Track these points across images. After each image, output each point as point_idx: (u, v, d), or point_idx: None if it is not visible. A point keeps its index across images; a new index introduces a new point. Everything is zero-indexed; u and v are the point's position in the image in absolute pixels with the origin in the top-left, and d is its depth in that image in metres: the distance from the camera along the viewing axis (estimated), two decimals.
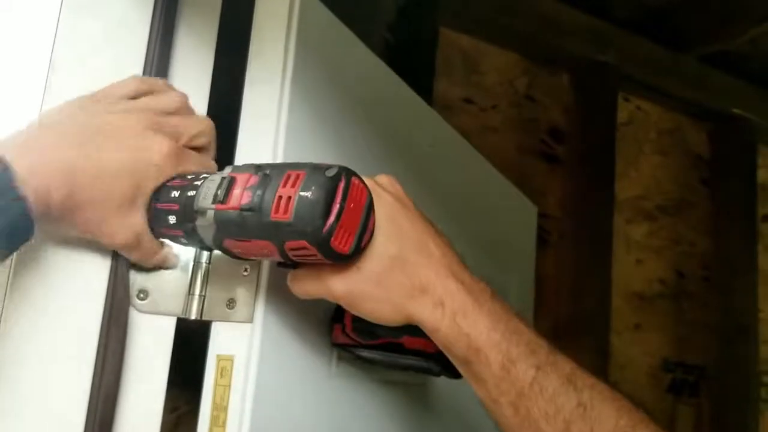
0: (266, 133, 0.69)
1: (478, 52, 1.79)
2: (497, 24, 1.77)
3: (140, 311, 0.63)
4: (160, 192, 0.57)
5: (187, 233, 0.56)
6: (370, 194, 0.54)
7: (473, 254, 1.16)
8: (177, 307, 0.65)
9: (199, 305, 0.65)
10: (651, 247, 2.02)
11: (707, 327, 2.06)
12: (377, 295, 0.55)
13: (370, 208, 0.54)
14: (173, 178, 0.58)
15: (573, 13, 1.83)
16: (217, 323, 0.65)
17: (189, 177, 0.58)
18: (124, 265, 0.62)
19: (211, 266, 0.66)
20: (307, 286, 0.58)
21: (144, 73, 0.67)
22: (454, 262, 0.58)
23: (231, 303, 0.65)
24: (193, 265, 0.66)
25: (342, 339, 0.70)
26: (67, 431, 0.58)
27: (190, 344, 0.67)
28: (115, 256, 0.63)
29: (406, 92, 0.96)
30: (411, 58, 1.48)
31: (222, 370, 0.63)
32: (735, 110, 2.12)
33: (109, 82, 0.65)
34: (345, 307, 0.57)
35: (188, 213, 0.55)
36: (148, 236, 0.58)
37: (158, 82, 0.63)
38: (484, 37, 1.79)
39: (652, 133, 2.08)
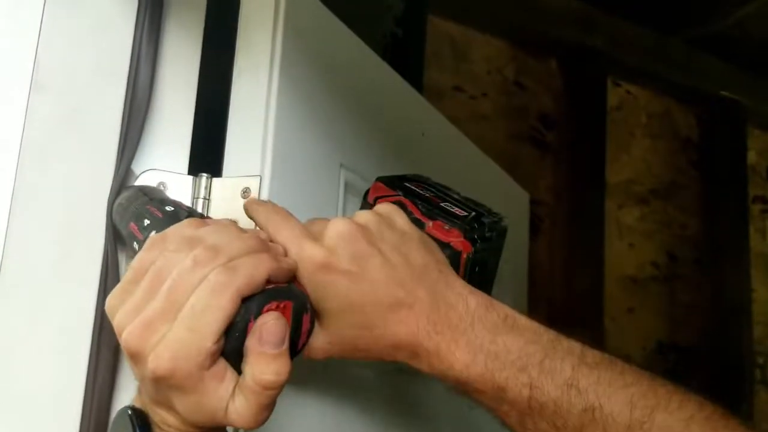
0: (255, 123, 0.68)
1: (467, 40, 1.79)
2: (485, 11, 1.77)
3: None
4: (139, 214, 0.57)
5: None
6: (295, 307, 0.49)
7: None
8: None
9: None
10: (643, 231, 2.03)
11: (700, 309, 2.07)
12: (361, 347, 0.54)
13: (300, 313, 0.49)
14: (152, 202, 0.58)
15: None
16: None
17: (167, 209, 0.56)
18: (114, 272, 0.62)
19: None
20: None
21: (130, 69, 0.66)
22: (437, 299, 0.54)
23: None
24: None
25: None
26: None
27: None
28: (107, 250, 0.63)
29: (397, 81, 0.96)
30: (401, 47, 1.47)
31: None
32: (723, 93, 2.13)
33: (94, 80, 0.65)
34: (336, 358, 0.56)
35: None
36: None
37: None
38: (473, 24, 1.79)
39: (641, 118, 2.09)
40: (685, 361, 2.02)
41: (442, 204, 0.64)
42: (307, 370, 0.70)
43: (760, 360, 2.11)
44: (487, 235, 0.62)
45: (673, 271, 2.06)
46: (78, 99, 0.64)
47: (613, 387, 0.50)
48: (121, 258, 0.64)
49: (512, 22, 1.82)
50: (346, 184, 0.81)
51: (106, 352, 0.61)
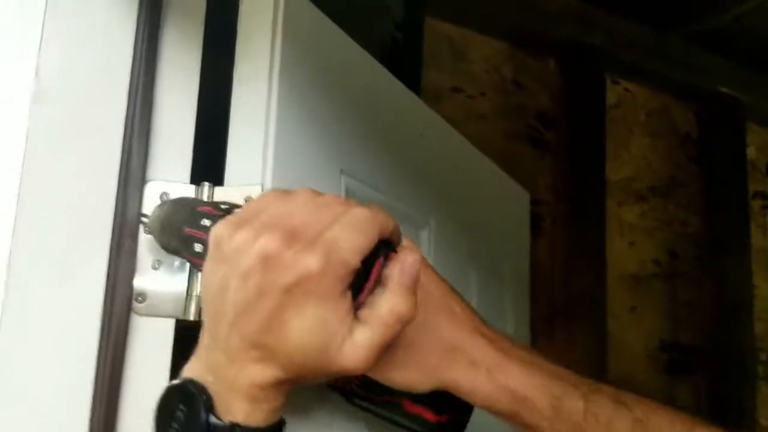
0: (256, 132, 0.69)
1: (465, 41, 1.79)
2: (483, 12, 1.77)
3: (138, 314, 0.64)
4: (192, 218, 0.57)
5: None
6: None
7: (468, 244, 1.17)
8: (175, 309, 0.65)
9: (197, 306, 0.66)
10: (643, 229, 2.03)
11: (702, 306, 2.07)
12: (406, 362, 0.52)
13: None
14: (207, 204, 0.58)
15: None
16: None
17: (225, 207, 0.57)
18: (121, 268, 0.63)
19: None
20: None
21: (131, 79, 0.67)
22: (476, 318, 0.56)
23: None
24: (191, 266, 0.66)
25: (342, 384, 0.63)
26: None
27: (191, 343, 0.67)
28: (111, 260, 0.63)
29: (395, 85, 0.96)
30: (399, 49, 1.48)
31: None
32: (722, 89, 2.13)
33: (95, 85, 0.65)
34: (374, 375, 0.53)
35: None
36: None
37: None
38: (470, 25, 1.79)
39: (640, 115, 2.09)
40: (688, 358, 2.02)
41: None
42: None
43: (763, 356, 2.11)
44: None
45: (674, 268, 2.06)
46: (79, 109, 0.65)
47: (651, 406, 0.54)
48: (127, 265, 0.64)
49: (510, 21, 1.82)
50: (347, 190, 0.81)
51: (112, 354, 0.61)
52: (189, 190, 0.68)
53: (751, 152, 2.21)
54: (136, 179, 0.66)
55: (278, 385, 0.46)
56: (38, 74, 0.63)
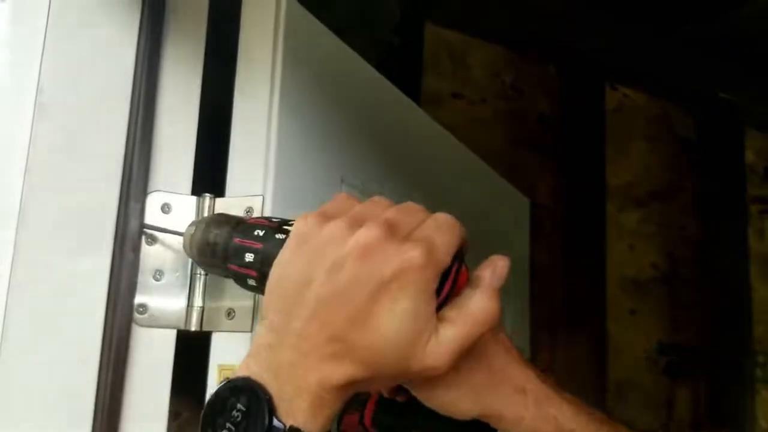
0: (257, 144, 0.69)
1: (465, 46, 1.79)
2: (482, 17, 1.77)
3: (140, 325, 0.64)
4: (241, 230, 0.56)
5: (264, 276, 0.53)
6: None
7: (469, 251, 1.18)
8: (177, 320, 0.66)
9: (198, 317, 0.66)
10: (643, 233, 2.03)
11: (701, 309, 2.07)
12: (455, 380, 0.50)
13: None
14: (259, 218, 0.58)
15: (556, 1, 1.84)
16: (218, 334, 0.66)
17: (276, 219, 0.57)
18: (123, 280, 0.63)
19: (209, 277, 0.67)
20: None
21: (133, 92, 0.67)
22: (519, 352, 0.55)
23: (230, 313, 0.66)
24: (191, 277, 0.67)
25: (354, 429, 0.60)
26: None
27: (192, 350, 0.68)
28: (113, 271, 0.64)
29: (396, 94, 0.97)
30: (399, 55, 1.48)
31: (224, 380, 0.64)
32: (721, 94, 2.13)
33: (97, 98, 0.66)
34: (418, 392, 0.51)
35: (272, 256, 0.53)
36: None
37: None
38: (470, 31, 1.80)
39: (640, 120, 2.09)
40: (687, 361, 2.03)
41: None
42: None
43: (761, 359, 2.11)
44: None
45: (673, 272, 2.07)
46: (82, 122, 0.65)
47: None
48: (128, 276, 0.65)
49: (509, 27, 1.83)
50: None
51: (113, 366, 0.62)
52: (190, 202, 0.69)
53: (749, 156, 2.22)
54: (138, 190, 0.66)
55: (349, 386, 0.44)
56: (41, 88, 0.64)
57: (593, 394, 1.74)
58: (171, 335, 0.66)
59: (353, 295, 0.43)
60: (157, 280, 0.66)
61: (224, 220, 0.59)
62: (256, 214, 0.67)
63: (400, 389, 0.53)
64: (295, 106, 0.72)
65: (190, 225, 0.61)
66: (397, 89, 0.96)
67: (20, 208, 0.61)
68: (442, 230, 0.46)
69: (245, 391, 0.43)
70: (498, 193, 1.39)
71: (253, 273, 0.54)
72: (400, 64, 1.51)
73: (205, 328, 0.66)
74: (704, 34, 1.97)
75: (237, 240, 0.56)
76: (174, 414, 0.72)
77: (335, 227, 0.45)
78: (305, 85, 0.75)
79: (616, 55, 1.95)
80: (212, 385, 0.64)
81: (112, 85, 0.67)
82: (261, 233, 0.55)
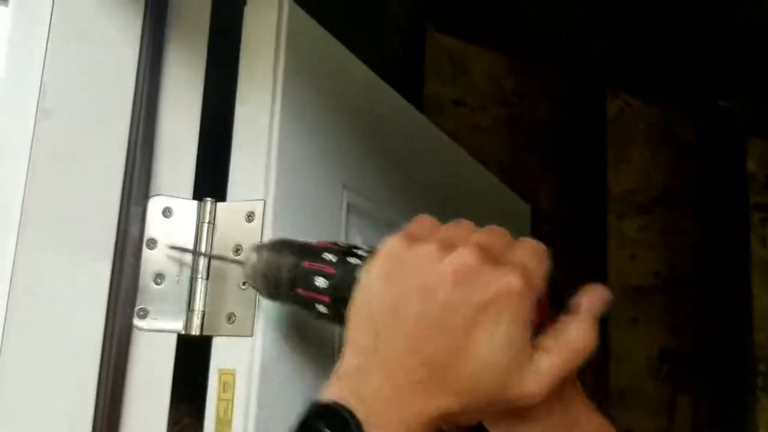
0: (258, 149, 0.69)
1: (465, 53, 1.80)
2: (483, 25, 1.78)
3: (140, 329, 0.64)
4: (309, 254, 0.56)
5: (337, 301, 0.53)
6: None
7: None
8: (177, 324, 0.66)
9: (199, 321, 0.66)
10: (644, 241, 2.03)
11: (702, 317, 2.07)
12: (539, 419, 0.48)
13: None
14: (326, 242, 0.57)
15: (556, 9, 1.84)
16: (218, 338, 0.66)
17: (342, 244, 0.56)
18: (123, 283, 0.63)
19: (209, 281, 0.67)
20: None
21: (135, 96, 0.67)
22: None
23: (231, 317, 0.66)
24: (192, 281, 0.67)
25: None
26: None
27: (191, 356, 0.68)
28: (114, 275, 0.64)
29: (397, 100, 0.97)
30: (401, 62, 1.49)
31: (224, 385, 0.64)
32: (721, 102, 2.13)
33: (99, 102, 0.66)
34: (498, 427, 0.50)
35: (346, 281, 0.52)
36: None
37: None
38: (471, 38, 1.80)
39: (641, 127, 2.10)
40: (688, 369, 2.02)
41: None
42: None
43: (762, 367, 2.11)
44: None
45: (674, 279, 2.07)
46: (84, 125, 0.65)
47: None
48: (129, 280, 0.65)
49: (510, 34, 1.83)
50: (349, 205, 0.82)
51: (113, 370, 0.62)
52: (192, 206, 0.69)
53: (750, 164, 2.22)
54: (139, 194, 0.66)
55: (441, 418, 0.43)
56: (43, 92, 0.64)
57: (595, 400, 1.73)
58: (171, 339, 0.66)
59: (449, 320, 0.42)
60: (158, 284, 0.66)
61: (288, 244, 0.59)
62: (258, 219, 0.67)
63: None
64: (297, 111, 0.73)
65: (250, 251, 0.60)
66: (399, 96, 0.96)
67: (21, 212, 0.61)
68: (533, 256, 0.46)
69: (333, 416, 0.42)
70: (499, 199, 1.39)
71: (325, 298, 0.53)
72: (403, 71, 1.52)
73: (206, 333, 0.66)
74: (705, 41, 1.97)
75: (306, 264, 0.55)
76: (174, 420, 0.72)
77: (427, 250, 0.44)
78: (307, 90, 0.75)
79: (618, 61, 1.96)
80: (213, 389, 0.64)
81: (114, 89, 0.67)
82: (332, 258, 0.54)
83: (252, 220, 0.68)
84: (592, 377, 1.77)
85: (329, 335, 0.74)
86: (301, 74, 0.73)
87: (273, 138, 0.69)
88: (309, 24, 0.77)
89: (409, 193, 0.97)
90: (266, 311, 0.65)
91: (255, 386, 0.64)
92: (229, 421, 0.63)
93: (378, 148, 0.90)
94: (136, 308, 0.64)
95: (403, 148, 0.99)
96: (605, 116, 1.96)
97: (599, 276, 1.85)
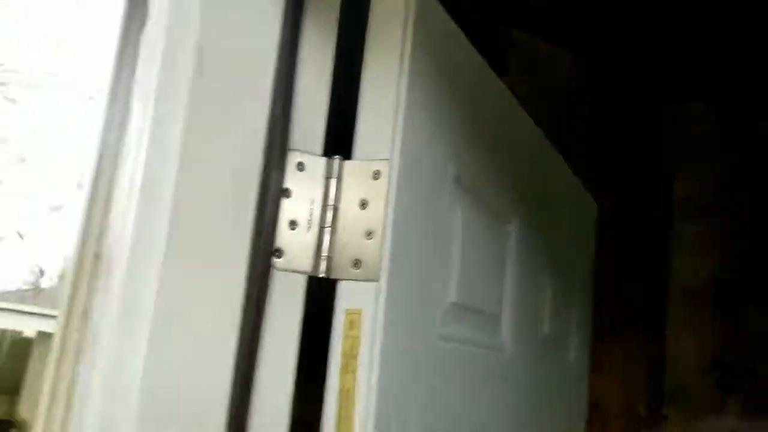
0: (387, 113, 0.75)
1: (542, 53, 1.84)
2: (559, 24, 1.83)
3: (276, 269, 0.70)
4: None
5: None
6: None
7: (543, 248, 1.23)
8: (307, 265, 0.72)
9: (326, 265, 0.72)
10: (704, 246, 2.05)
11: (756, 323, 2.08)
12: None
13: None
14: None
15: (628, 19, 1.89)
16: (344, 282, 0.72)
17: None
18: (264, 228, 0.70)
19: (337, 231, 0.73)
20: None
21: (278, 59, 0.74)
22: None
23: (357, 263, 0.72)
24: (320, 230, 0.73)
25: None
26: (217, 378, 0.65)
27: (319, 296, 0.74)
28: (256, 221, 0.70)
29: (499, 86, 1.02)
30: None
31: (351, 323, 0.70)
32: None
33: (246, 63, 0.72)
34: None
35: None
36: None
37: None
38: (549, 38, 1.85)
39: (702, 132, 2.12)
40: (741, 375, 2.03)
41: None
42: (427, 331, 0.77)
43: None
44: None
45: (731, 285, 2.08)
46: (233, 83, 0.72)
47: None
48: (269, 225, 0.71)
49: (586, 37, 1.87)
50: (455, 177, 0.87)
51: (255, 301, 0.68)
52: (322, 162, 0.75)
53: None
54: (279, 149, 0.73)
55: None
56: (199, 48, 0.70)
57: (649, 400, 1.76)
58: (302, 279, 0.72)
59: None
60: (292, 229, 0.72)
61: None
62: (384, 177, 0.73)
63: None
64: (422, 82, 0.78)
65: None
66: (504, 85, 1.02)
67: (179, 158, 0.67)
68: None
69: None
70: (572, 192, 1.44)
71: None
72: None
73: (333, 276, 0.72)
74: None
75: None
76: None
77: None
78: (431, 64, 0.81)
79: (682, 69, 1.99)
80: (339, 326, 0.70)
81: (260, 53, 0.74)
82: None
83: (378, 178, 0.74)
84: (648, 378, 1.80)
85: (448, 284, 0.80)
86: (426, 49, 0.79)
87: (400, 103, 0.75)
88: (437, 11, 0.83)
89: (501, 174, 1.03)
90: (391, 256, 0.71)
91: (380, 325, 0.70)
92: (356, 356, 0.69)
93: (483, 130, 0.96)
94: (274, 248, 0.70)
95: (503, 133, 1.04)
96: (669, 122, 1.99)
97: (659, 279, 1.87)
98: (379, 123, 0.76)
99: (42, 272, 12.34)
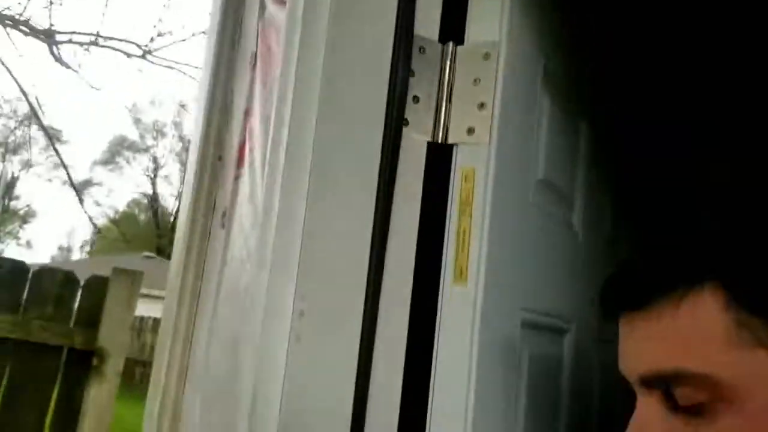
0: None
1: None
2: None
3: (405, 135, 0.85)
4: None
5: None
6: None
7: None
8: (428, 133, 0.86)
9: (443, 132, 0.87)
10: None
11: None
12: None
13: None
14: None
15: None
16: (460, 145, 0.86)
17: None
18: (395, 102, 0.84)
19: (453, 103, 0.87)
20: None
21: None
22: None
23: (471, 131, 0.86)
24: (438, 102, 0.87)
25: None
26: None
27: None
28: (389, 94, 0.84)
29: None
30: None
31: (465, 177, 0.84)
32: None
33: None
34: None
35: None
36: None
37: None
38: None
39: None
40: None
41: None
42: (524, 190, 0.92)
43: None
44: None
45: None
46: None
47: None
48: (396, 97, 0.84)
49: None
50: (544, 70, 1.01)
51: (390, 159, 0.82)
52: (437, 47, 0.89)
53: None
54: (406, 35, 0.86)
55: None
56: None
57: None
58: (424, 144, 0.86)
59: None
60: (415, 102, 0.86)
61: None
62: (493, 58, 0.87)
63: None
64: None
65: None
66: None
67: (325, 49, 0.81)
68: None
69: None
70: None
71: None
72: None
73: (450, 141, 0.87)
74: None
75: None
76: None
77: None
78: None
79: None
80: (457, 180, 0.85)
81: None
82: None
83: (488, 59, 0.87)
84: None
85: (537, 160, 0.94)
86: None
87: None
88: None
89: (581, 76, 1.15)
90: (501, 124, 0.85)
91: (491, 179, 0.84)
92: (470, 202, 0.83)
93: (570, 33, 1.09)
94: (405, 118, 0.85)
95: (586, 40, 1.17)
96: None
97: None
98: (488, 8, 0.89)
99: None
